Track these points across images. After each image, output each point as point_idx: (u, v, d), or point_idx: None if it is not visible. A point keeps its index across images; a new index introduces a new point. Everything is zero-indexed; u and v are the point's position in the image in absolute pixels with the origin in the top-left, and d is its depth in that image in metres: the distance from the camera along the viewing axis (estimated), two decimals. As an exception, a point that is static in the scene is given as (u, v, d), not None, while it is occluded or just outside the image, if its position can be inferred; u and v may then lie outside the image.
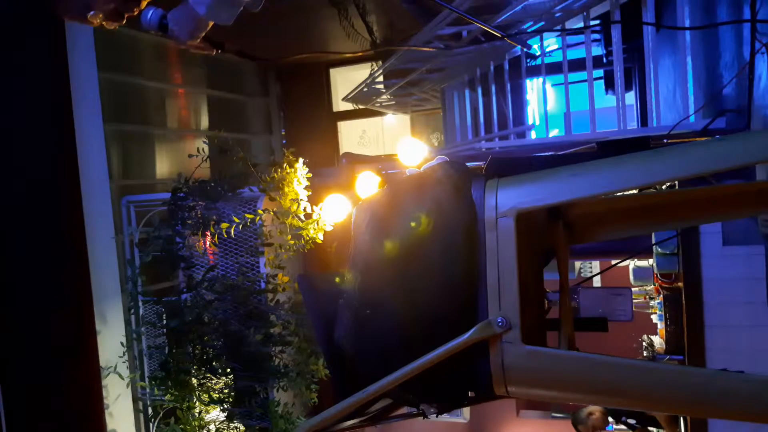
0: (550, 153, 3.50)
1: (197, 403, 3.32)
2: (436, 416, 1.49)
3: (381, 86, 5.57)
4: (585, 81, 3.78)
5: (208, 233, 3.20)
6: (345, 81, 6.54)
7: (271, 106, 6.59)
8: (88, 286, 3.44)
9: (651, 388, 1.22)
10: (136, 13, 1.55)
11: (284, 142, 6.59)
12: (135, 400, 3.72)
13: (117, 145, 4.16)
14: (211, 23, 1.58)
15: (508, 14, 3.73)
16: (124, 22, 1.54)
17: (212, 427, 3.36)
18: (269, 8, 1.66)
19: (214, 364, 3.22)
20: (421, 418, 1.53)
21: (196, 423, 3.31)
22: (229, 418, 3.27)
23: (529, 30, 4.13)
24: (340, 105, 6.62)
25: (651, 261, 3.58)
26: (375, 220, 1.41)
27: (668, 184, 2.01)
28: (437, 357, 1.27)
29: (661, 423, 3.55)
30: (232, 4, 1.50)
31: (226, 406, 3.27)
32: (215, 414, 3.38)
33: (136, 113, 4.51)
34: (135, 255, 3.66)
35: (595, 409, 3.74)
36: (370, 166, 3.18)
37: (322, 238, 3.17)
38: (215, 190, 3.25)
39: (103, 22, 1.52)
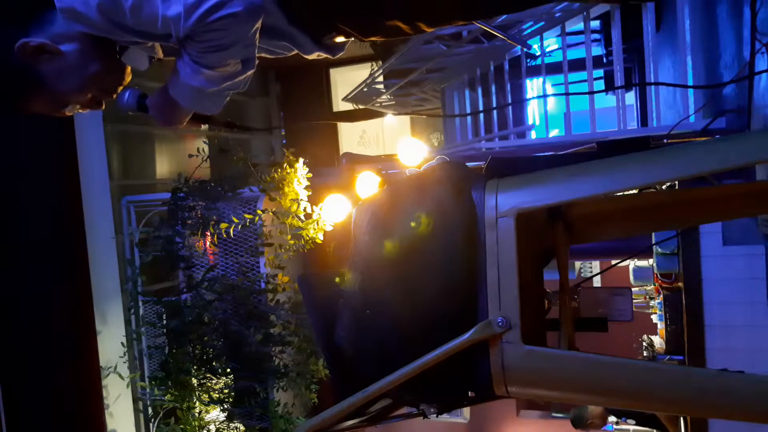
0: (550, 153, 3.50)
1: (197, 403, 3.32)
2: (436, 416, 1.49)
3: (381, 86, 5.57)
4: (585, 81, 3.78)
5: (208, 233, 3.20)
6: (345, 81, 6.53)
7: (271, 106, 6.58)
8: (88, 286, 3.44)
9: (651, 388, 1.22)
10: (114, 97, 1.42)
11: (284, 142, 6.59)
12: (135, 400, 3.72)
13: (117, 145, 4.16)
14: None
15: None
16: (103, 107, 1.40)
17: (212, 427, 3.36)
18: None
19: (214, 364, 3.22)
20: (421, 418, 1.53)
21: (196, 423, 3.31)
22: (229, 418, 3.28)
23: (528, 30, 4.13)
24: (340, 105, 6.62)
25: (651, 261, 3.58)
26: (375, 220, 1.41)
27: (668, 184, 2.01)
28: (437, 357, 1.27)
29: (664, 423, 3.53)
30: (217, 96, 1.33)
31: (226, 406, 3.27)
32: (215, 414, 3.38)
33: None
34: (135, 255, 3.66)
35: (597, 415, 3.70)
36: (370, 166, 3.18)
37: (322, 238, 3.17)
38: (215, 190, 3.25)
39: (79, 110, 1.38)
